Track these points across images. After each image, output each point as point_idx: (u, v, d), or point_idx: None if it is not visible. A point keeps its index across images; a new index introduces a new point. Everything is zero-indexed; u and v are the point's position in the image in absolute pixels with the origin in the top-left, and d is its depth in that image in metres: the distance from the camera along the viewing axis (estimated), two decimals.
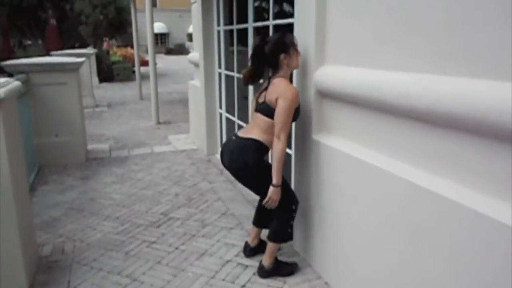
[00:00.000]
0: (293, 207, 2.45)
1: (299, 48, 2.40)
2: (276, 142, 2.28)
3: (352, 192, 2.15)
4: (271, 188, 2.30)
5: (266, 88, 2.40)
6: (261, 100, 2.43)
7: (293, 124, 2.61)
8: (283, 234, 2.46)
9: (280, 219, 2.45)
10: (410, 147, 1.79)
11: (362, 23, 2.04)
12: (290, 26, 2.79)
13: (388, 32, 1.85)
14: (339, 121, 2.33)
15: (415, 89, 1.65)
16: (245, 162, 2.36)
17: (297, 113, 2.37)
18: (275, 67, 2.39)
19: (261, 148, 2.39)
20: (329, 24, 2.31)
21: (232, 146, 2.46)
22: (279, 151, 2.27)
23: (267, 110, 2.35)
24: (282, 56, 2.34)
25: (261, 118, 2.39)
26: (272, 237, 2.51)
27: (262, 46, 2.37)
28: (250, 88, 3.87)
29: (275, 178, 2.29)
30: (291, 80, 2.53)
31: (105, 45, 19.24)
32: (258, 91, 2.49)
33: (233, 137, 2.51)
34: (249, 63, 2.46)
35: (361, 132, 2.14)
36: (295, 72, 2.77)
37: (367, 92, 1.95)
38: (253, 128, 2.44)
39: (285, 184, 2.41)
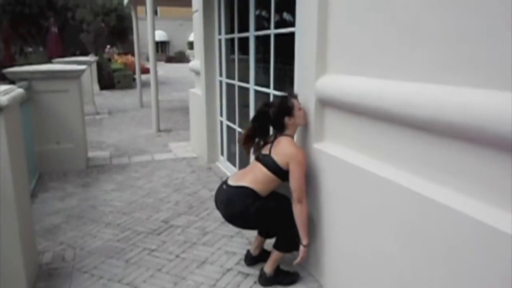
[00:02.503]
0: None
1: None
2: (298, 207, 2.34)
3: (353, 201, 2.15)
4: (302, 248, 2.41)
5: (271, 142, 2.46)
6: (265, 152, 2.47)
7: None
8: (290, 244, 2.46)
9: (290, 230, 2.44)
10: (412, 156, 1.79)
11: (364, 32, 2.05)
12: (291, 35, 2.81)
13: (390, 41, 1.87)
14: (341, 130, 2.34)
15: (417, 98, 1.66)
16: (245, 206, 2.36)
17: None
18: (281, 129, 2.46)
19: (254, 194, 2.38)
20: (331, 33, 2.33)
21: (225, 196, 2.45)
22: (304, 214, 2.36)
23: (270, 164, 2.39)
24: (286, 118, 2.42)
25: (261, 169, 2.41)
26: (278, 246, 2.51)
27: (266, 111, 2.46)
28: (251, 96, 3.89)
29: (305, 240, 2.39)
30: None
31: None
32: (263, 143, 2.55)
33: (224, 186, 2.49)
34: (250, 124, 2.55)
35: (362, 141, 2.15)
36: (296, 81, 2.79)
37: (369, 101, 1.96)
38: (247, 175, 2.45)
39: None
